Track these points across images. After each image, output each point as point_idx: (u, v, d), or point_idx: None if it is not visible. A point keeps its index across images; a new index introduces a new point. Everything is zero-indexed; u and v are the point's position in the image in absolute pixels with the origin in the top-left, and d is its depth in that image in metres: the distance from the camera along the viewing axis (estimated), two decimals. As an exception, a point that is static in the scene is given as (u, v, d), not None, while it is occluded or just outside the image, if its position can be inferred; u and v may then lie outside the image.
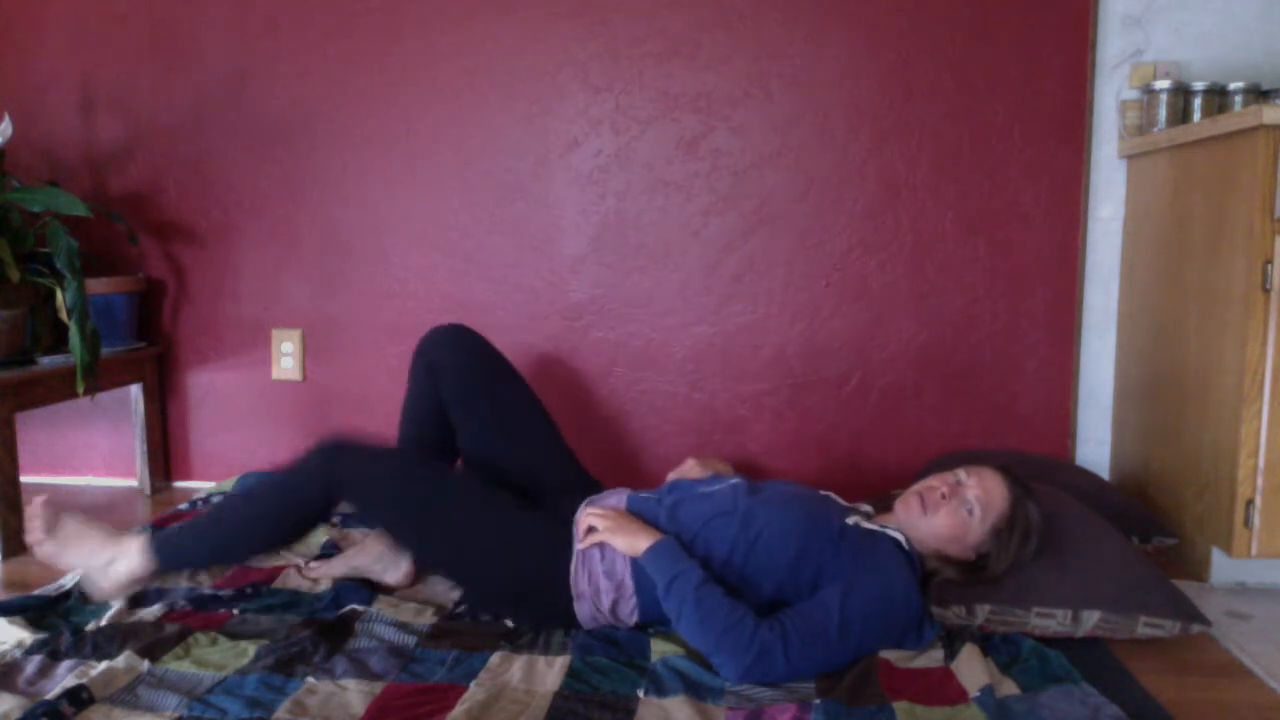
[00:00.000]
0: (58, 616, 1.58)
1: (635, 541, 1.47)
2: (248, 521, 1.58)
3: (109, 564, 1.58)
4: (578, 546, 1.52)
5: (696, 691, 1.32)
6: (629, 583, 1.49)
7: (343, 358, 2.50)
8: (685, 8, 2.30)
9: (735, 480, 1.62)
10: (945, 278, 2.32)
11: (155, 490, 2.51)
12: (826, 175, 2.32)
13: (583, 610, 1.52)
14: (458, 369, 1.77)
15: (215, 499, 2.24)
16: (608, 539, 1.49)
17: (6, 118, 2.11)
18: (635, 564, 1.48)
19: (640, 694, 1.32)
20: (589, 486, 1.78)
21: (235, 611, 1.61)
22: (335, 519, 2.11)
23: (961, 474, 1.54)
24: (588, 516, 1.53)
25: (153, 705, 1.27)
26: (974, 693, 1.30)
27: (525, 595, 1.55)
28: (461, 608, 1.65)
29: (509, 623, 1.58)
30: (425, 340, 1.82)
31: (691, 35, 2.31)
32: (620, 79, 2.34)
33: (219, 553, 1.62)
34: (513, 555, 1.54)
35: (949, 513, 1.50)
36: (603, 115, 2.36)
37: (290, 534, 1.62)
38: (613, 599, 1.50)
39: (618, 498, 1.63)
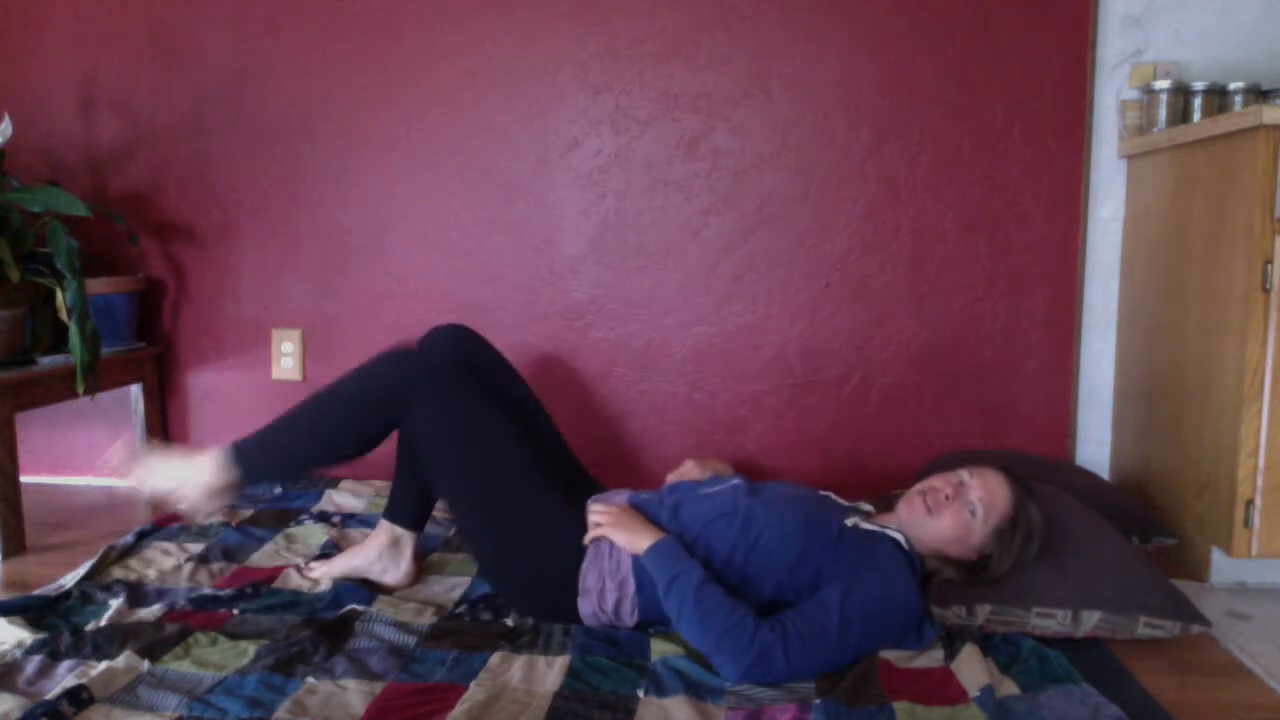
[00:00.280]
0: (58, 616, 1.58)
1: (636, 540, 1.48)
2: (319, 422, 1.59)
3: (193, 478, 1.57)
4: (584, 540, 1.53)
5: (696, 691, 1.32)
6: (631, 581, 1.50)
7: (343, 358, 2.49)
8: (685, 8, 2.31)
9: (736, 481, 1.62)
10: (945, 278, 2.32)
11: (155, 490, 2.51)
12: (826, 175, 2.32)
13: (585, 606, 1.52)
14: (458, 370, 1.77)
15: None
16: (610, 534, 1.50)
17: (6, 118, 2.11)
18: (637, 562, 1.49)
19: (640, 694, 1.32)
20: (589, 488, 1.78)
21: (235, 611, 1.61)
22: (335, 519, 2.11)
23: (964, 475, 1.54)
24: (593, 513, 1.54)
25: (153, 705, 1.27)
26: (974, 693, 1.30)
27: (530, 580, 1.56)
28: (462, 607, 1.65)
29: (509, 621, 1.58)
30: (425, 340, 1.82)
31: (691, 35, 2.31)
32: (620, 79, 2.34)
33: (295, 457, 1.62)
34: (530, 535, 1.55)
35: (953, 514, 1.50)
36: (603, 115, 2.36)
37: (361, 437, 1.60)
38: (616, 597, 1.51)
39: (620, 499, 1.63)
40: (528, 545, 1.55)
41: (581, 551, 1.53)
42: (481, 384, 1.68)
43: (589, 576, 1.52)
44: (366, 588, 1.69)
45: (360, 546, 1.77)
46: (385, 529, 1.74)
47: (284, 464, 1.64)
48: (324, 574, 1.75)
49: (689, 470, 1.77)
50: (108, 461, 1.60)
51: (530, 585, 1.56)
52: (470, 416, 1.58)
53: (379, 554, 1.73)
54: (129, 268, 2.54)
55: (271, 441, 1.60)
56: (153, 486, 1.60)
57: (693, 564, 1.42)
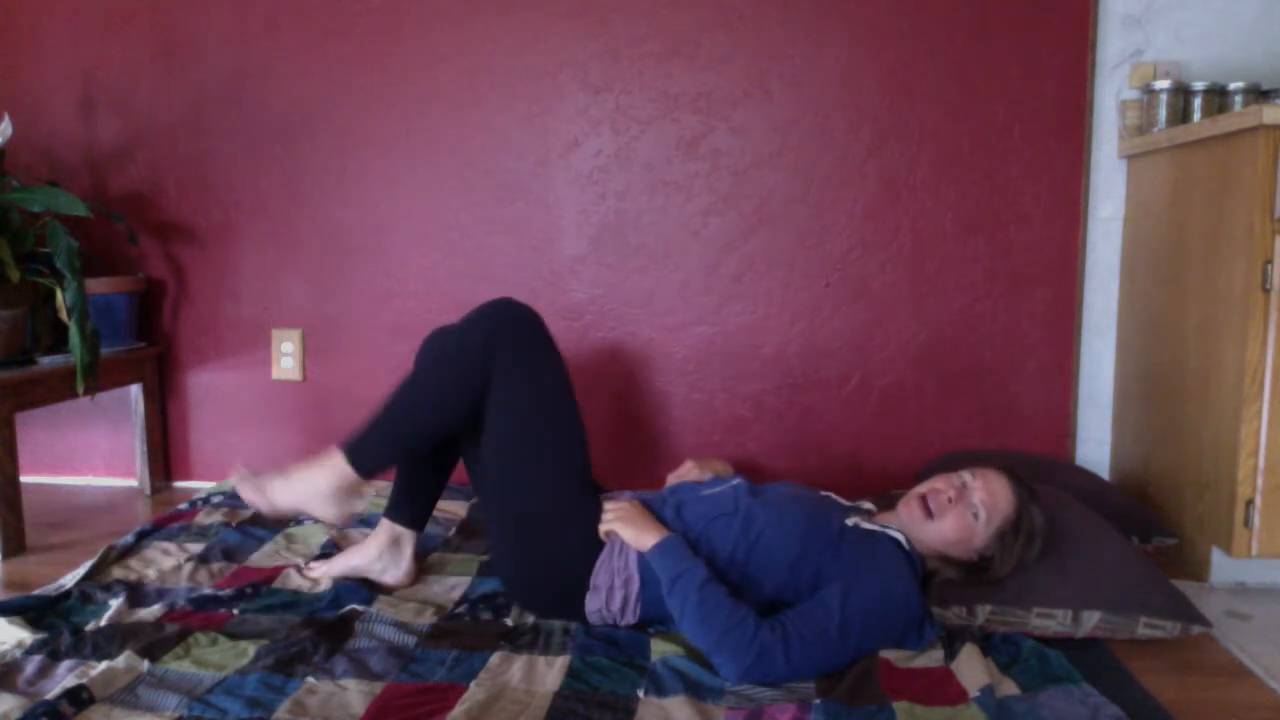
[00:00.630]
0: (58, 616, 1.58)
1: (643, 536, 1.48)
2: (420, 390, 1.55)
3: (317, 490, 1.54)
4: (600, 532, 1.54)
5: (696, 691, 1.32)
6: (636, 578, 1.50)
7: (343, 358, 2.50)
8: (685, 8, 2.31)
9: (737, 481, 1.63)
10: (945, 278, 2.32)
11: (155, 490, 2.51)
12: (826, 175, 2.32)
13: (593, 603, 1.52)
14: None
15: (215, 497, 2.25)
16: (617, 528, 1.51)
17: (6, 118, 2.11)
18: (643, 559, 1.49)
19: (640, 694, 1.32)
20: (590, 489, 1.78)
21: (235, 611, 1.60)
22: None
23: (967, 476, 1.53)
24: (605, 509, 1.55)
25: (153, 705, 1.27)
26: (974, 693, 1.30)
27: (543, 568, 1.55)
28: (462, 607, 1.65)
29: (508, 621, 1.58)
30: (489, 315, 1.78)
31: (691, 35, 2.31)
32: (620, 79, 2.34)
33: (406, 435, 1.56)
34: (556, 521, 1.55)
35: (955, 517, 1.49)
36: (603, 115, 2.36)
37: (464, 394, 1.53)
38: (622, 595, 1.51)
39: (624, 499, 1.63)
40: (551, 531, 1.55)
41: (598, 548, 1.53)
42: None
43: (600, 574, 1.52)
44: (366, 587, 1.68)
45: (360, 546, 1.77)
46: (386, 528, 1.74)
47: (398, 448, 1.57)
48: (324, 574, 1.75)
49: (689, 470, 1.77)
50: (238, 487, 1.57)
51: (543, 573, 1.56)
52: (550, 378, 1.57)
53: (379, 553, 1.73)
54: (129, 268, 2.54)
55: (379, 429, 1.56)
56: (280, 507, 1.56)
57: (697, 563, 1.42)
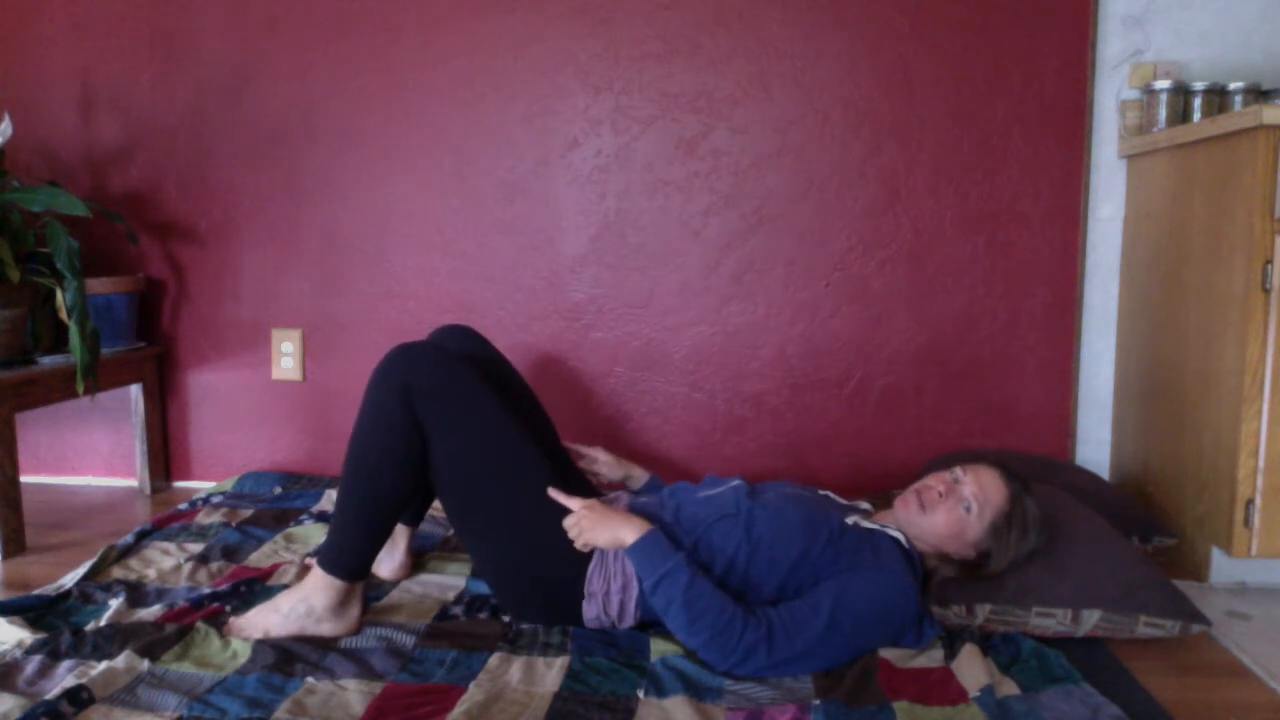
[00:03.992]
0: (58, 616, 1.58)
1: (619, 536, 1.45)
2: (362, 465, 1.48)
3: (311, 609, 1.49)
4: (577, 544, 1.52)
5: (696, 691, 1.32)
6: (634, 584, 1.49)
7: (343, 358, 2.50)
8: (685, 8, 2.31)
9: (736, 482, 1.62)
10: (945, 278, 2.32)
11: (155, 490, 2.51)
12: (826, 175, 2.32)
13: (590, 610, 1.52)
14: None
15: (215, 497, 2.25)
16: (589, 539, 1.46)
17: (6, 118, 2.11)
18: None
19: (640, 694, 1.32)
20: (586, 492, 1.77)
21: (228, 608, 1.60)
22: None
23: (959, 471, 1.54)
24: (566, 526, 1.50)
25: (153, 705, 1.27)
26: (974, 693, 1.30)
27: (535, 584, 1.54)
28: (458, 607, 1.64)
29: (506, 619, 1.58)
30: (429, 336, 1.81)
31: (691, 35, 2.31)
32: (620, 79, 2.34)
33: (375, 519, 1.49)
34: (537, 538, 1.52)
35: (946, 510, 1.50)
36: (603, 115, 2.36)
37: (408, 458, 1.48)
38: (620, 600, 1.50)
39: (621, 504, 1.62)
40: (535, 548, 1.52)
41: (587, 556, 1.52)
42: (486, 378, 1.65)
43: (594, 580, 1.51)
44: (366, 587, 1.68)
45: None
46: None
47: (371, 535, 1.50)
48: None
49: (599, 454, 1.85)
50: (232, 630, 1.50)
51: (535, 589, 1.54)
52: (478, 405, 1.51)
53: None
54: (129, 268, 2.54)
55: (344, 527, 1.50)
56: (281, 634, 1.48)
57: (678, 562, 1.40)
